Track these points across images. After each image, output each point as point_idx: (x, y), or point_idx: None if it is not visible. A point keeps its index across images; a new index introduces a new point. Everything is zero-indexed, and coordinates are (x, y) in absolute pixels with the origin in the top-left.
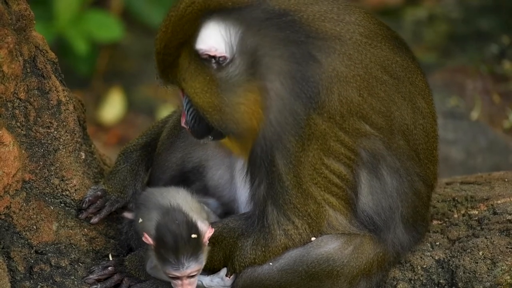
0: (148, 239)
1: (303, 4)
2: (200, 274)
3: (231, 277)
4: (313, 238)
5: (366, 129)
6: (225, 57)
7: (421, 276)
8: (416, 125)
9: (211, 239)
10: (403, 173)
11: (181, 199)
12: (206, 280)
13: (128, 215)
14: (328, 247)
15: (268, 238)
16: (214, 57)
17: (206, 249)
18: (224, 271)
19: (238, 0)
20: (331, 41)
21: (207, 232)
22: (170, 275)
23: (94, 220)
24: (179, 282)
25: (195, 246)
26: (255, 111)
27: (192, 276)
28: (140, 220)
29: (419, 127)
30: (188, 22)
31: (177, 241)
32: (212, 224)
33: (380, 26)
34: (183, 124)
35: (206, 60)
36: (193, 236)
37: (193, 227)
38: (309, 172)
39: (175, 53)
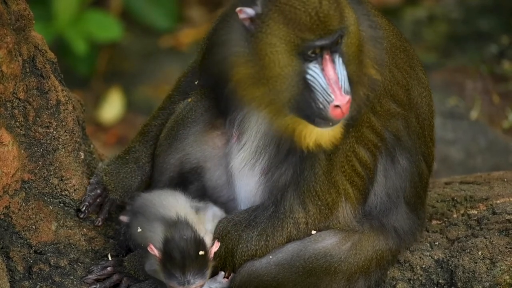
0: (154, 250)
1: None
2: None
3: (229, 278)
4: (313, 232)
5: (394, 108)
6: None
7: (420, 276)
8: (422, 98)
9: (216, 234)
10: (413, 152)
11: (181, 208)
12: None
13: (124, 218)
14: (326, 242)
15: (276, 225)
16: None
17: (211, 265)
18: (221, 275)
19: None
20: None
21: (213, 247)
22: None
23: (98, 223)
24: None
25: (202, 263)
26: None
27: None
28: (139, 230)
29: (424, 100)
30: None
31: (185, 258)
32: (218, 222)
33: None
34: (346, 99)
35: None
36: (201, 253)
37: (201, 244)
38: (340, 159)
39: None
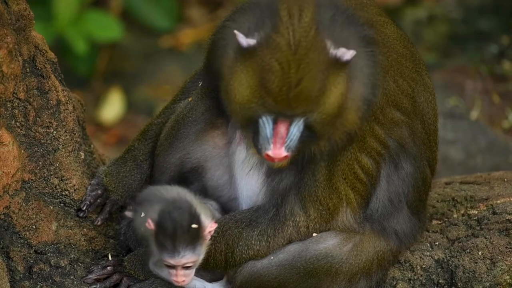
0: (150, 224)
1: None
2: (202, 280)
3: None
4: (314, 234)
5: (398, 116)
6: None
7: (421, 276)
8: (428, 103)
9: (216, 228)
10: (417, 158)
11: (184, 191)
12: (209, 287)
13: (129, 213)
14: (327, 243)
15: (277, 227)
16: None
17: (205, 243)
18: (225, 279)
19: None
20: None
21: (209, 225)
22: (166, 263)
23: (98, 222)
24: (174, 271)
25: (193, 236)
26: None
27: (188, 268)
28: (143, 215)
29: (429, 105)
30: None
31: (176, 228)
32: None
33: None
34: (282, 155)
35: (340, 64)
36: (194, 226)
37: (195, 217)
38: (342, 167)
39: (324, 73)
